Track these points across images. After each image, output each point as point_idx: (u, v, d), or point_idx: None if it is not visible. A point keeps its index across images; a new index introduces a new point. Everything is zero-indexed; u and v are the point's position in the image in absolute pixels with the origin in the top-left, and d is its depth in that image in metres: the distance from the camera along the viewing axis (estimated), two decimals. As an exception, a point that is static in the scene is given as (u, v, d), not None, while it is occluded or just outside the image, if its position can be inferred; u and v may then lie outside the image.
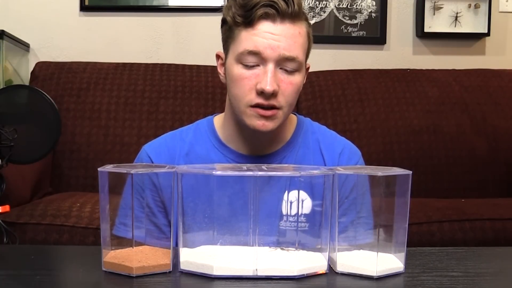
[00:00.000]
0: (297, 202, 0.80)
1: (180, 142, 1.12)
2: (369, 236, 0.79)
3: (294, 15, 1.00)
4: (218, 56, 1.10)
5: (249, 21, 0.99)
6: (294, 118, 1.16)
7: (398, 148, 2.13)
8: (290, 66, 1.01)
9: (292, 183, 0.92)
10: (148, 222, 0.96)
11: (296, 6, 0.99)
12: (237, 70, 1.01)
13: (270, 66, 0.99)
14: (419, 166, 2.10)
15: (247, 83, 1.00)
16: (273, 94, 0.99)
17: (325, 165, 1.10)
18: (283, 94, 1.01)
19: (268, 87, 0.98)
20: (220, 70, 1.10)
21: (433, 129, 2.16)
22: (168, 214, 1.03)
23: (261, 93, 0.99)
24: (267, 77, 0.98)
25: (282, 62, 1.00)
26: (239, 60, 1.01)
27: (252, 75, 1.00)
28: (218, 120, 1.15)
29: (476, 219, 1.62)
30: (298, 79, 1.03)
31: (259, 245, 0.76)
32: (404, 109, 2.19)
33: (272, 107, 1.01)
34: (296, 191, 0.81)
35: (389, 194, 0.77)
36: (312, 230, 0.79)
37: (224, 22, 1.05)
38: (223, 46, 1.08)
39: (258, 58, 0.99)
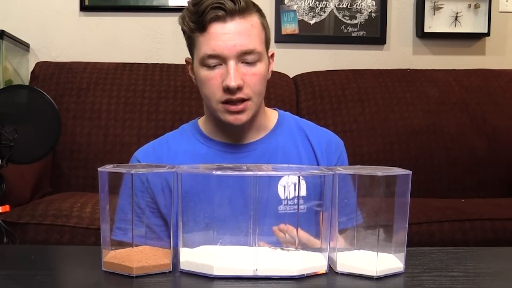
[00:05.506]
0: (294, 186, 0.80)
1: (166, 144, 1.18)
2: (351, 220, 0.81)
3: (242, 10, 1.06)
4: (187, 62, 1.17)
5: (202, 26, 1.06)
6: (275, 112, 1.23)
7: (398, 148, 2.13)
8: (250, 58, 1.07)
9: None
10: (140, 224, 0.95)
11: (242, 2, 1.05)
12: (203, 72, 1.08)
13: (231, 63, 1.05)
14: (419, 166, 2.10)
15: (213, 82, 1.07)
16: (239, 88, 1.05)
17: (313, 151, 1.16)
18: (249, 86, 1.07)
19: (233, 83, 1.04)
20: (191, 74, 1.16)
21: (433, 129, 2.16)
22: (161, 213, 1.04)
23: (227, 89, 1.05)
24: (230, 74, 1.05)
25: (242, 57, 1.06)
26: (202, 63, 1.08)
27: (217, 74, 1.07)
28: (201, 119, 1.22)
29: (476, 219, 1.62)
30: (260, 68, 1.09)
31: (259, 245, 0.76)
32: (404, 109, 2.19)
33: (242, 100, 1.07)
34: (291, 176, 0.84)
35: (389, 194, 0.77)
36: (310, 212, 0.80)
37: (183, 31, 1.12)
38: (189, 52, 1.14)
39: (218, 59, 1.06)
